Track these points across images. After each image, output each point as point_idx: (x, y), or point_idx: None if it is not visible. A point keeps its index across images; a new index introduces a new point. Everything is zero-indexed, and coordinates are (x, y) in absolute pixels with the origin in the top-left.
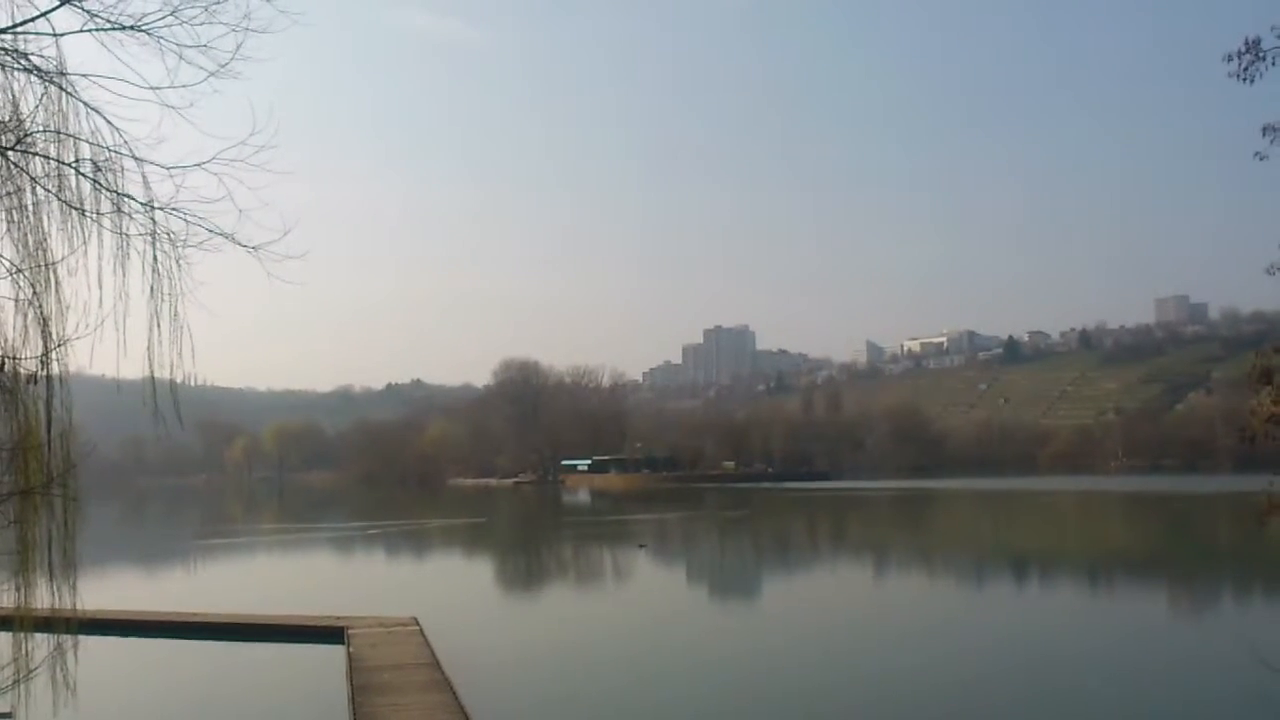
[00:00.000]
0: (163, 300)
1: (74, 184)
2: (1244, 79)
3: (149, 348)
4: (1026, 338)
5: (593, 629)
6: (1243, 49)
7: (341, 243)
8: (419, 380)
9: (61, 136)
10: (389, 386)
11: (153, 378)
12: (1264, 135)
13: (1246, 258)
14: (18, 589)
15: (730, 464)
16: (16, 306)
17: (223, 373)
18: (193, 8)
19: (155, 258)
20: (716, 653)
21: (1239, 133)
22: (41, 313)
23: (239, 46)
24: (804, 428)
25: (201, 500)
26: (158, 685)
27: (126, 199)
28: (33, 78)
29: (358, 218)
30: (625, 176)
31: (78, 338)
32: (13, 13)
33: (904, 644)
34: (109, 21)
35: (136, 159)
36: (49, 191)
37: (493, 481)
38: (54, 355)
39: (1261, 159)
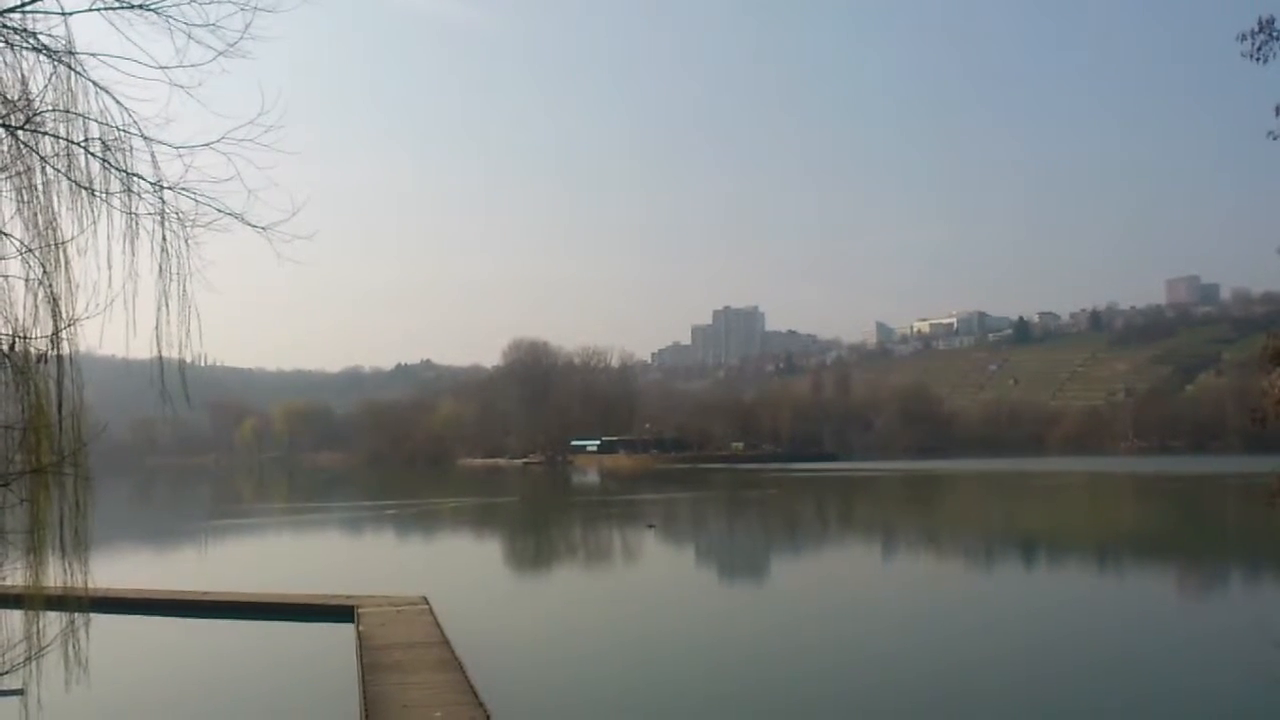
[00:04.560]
0: (172, 280)
1: (83, 163)
2: (1257, 59)
3: (157, 327)
4: (1036, 318)
5: (601, 609)
6: (1256, 28)
7: (350, 224)
8: (428, 361)
9: (70, 116)
10: (398, 367)
11: (161, 357)
12: (1277, 115)
13: (1258, 238)
14: (29, 567)
15: (739, 445)
16: (27, 286)
17: (232, 353)
18: None
19: (164, 237)
20: (725, 633)
21: (1251, 112)
22: (52, 292)
23: (247, 25)
24: (813, 409)
25: (211, 480)
26: (169, 663)
27: (136, 178)
28: (41, 57)
29: (366, 199)
30: (632, 158)
31: (88, 317)
32: None
33: (916, 624)
34: (117, 0)
35: (145, 138)
36: (58, 171)
37: (502, 462)
38: (64, 335)
39: (1274, 138)
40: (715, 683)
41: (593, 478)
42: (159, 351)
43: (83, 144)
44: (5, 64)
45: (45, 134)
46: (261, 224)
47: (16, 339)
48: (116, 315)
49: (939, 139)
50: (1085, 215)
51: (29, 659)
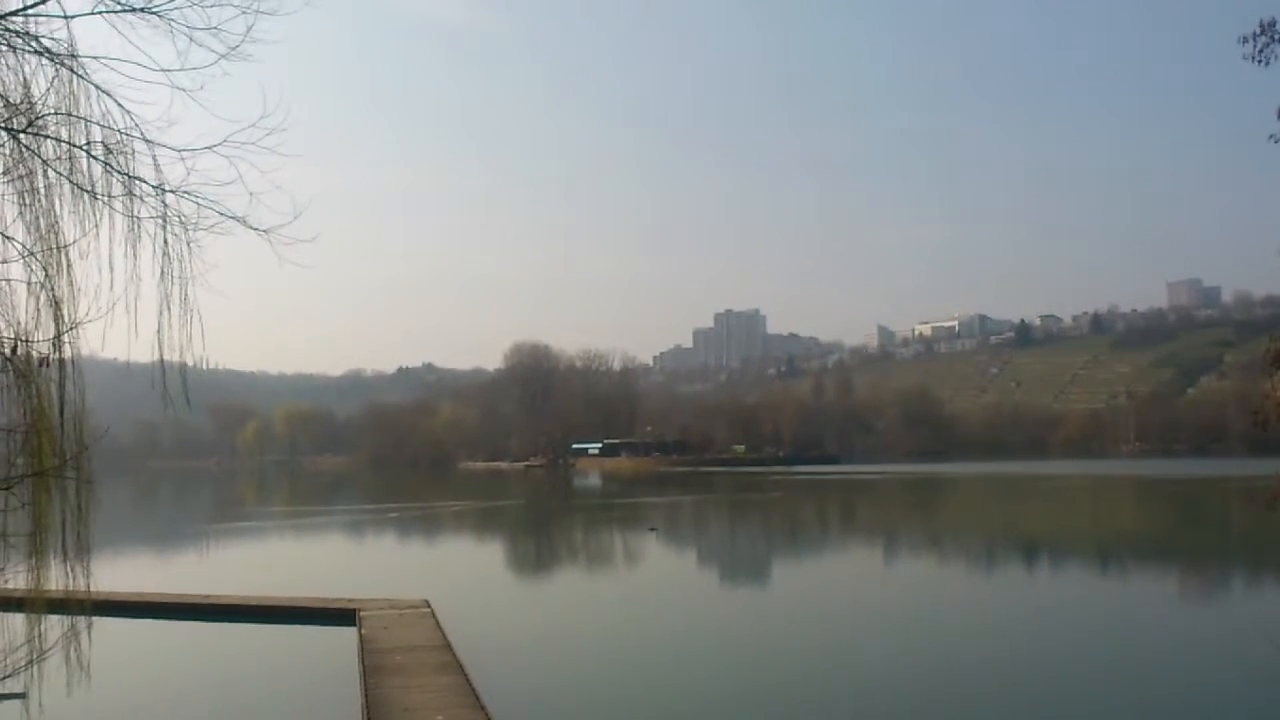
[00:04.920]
0: (173, 283)
1: (85, 167)
2: (1259, 61)
3: (159, 331)
4: (1038, 321)
5: (604, 613)
6: (1257, 30)
7: (352, 227)
8: (430, 364)
9: (72, 119)
10: (400, 370)
11: (162, 361)
12: (1279, 118)
13: (1260, 241)
14: (31, 570)
15: (740, 448)
16: (29, 289)
17: (234, 356)
18: None
19: (166, 241)
20: (728, 637)
21: (1252, 115)
22: (53, 295)
23: (249, 29)
24: (815, 411)
25: (214, 483)
26: (171, 666)
27: (138, 182)
28: (44, 60)
29: (367, 202)
30: (632, 160)
31: (89, 320)
32: None
33: (918, 627)
34: (119, 3)
35: (147, 141)
36: (60, 174)
37: (504, 465)
38: (66, 338)
39: (1276, 141)
40: (718, 687)
41: (594, 480)
42: (161, 355)
43: (85, 147)
44: (7, 67)
45: (47, 137)
46: (263, 227)
47: (18, 342)
48: (118, 318)
49: (939, 141)
50: (1086, 218)
51: (31, 662)
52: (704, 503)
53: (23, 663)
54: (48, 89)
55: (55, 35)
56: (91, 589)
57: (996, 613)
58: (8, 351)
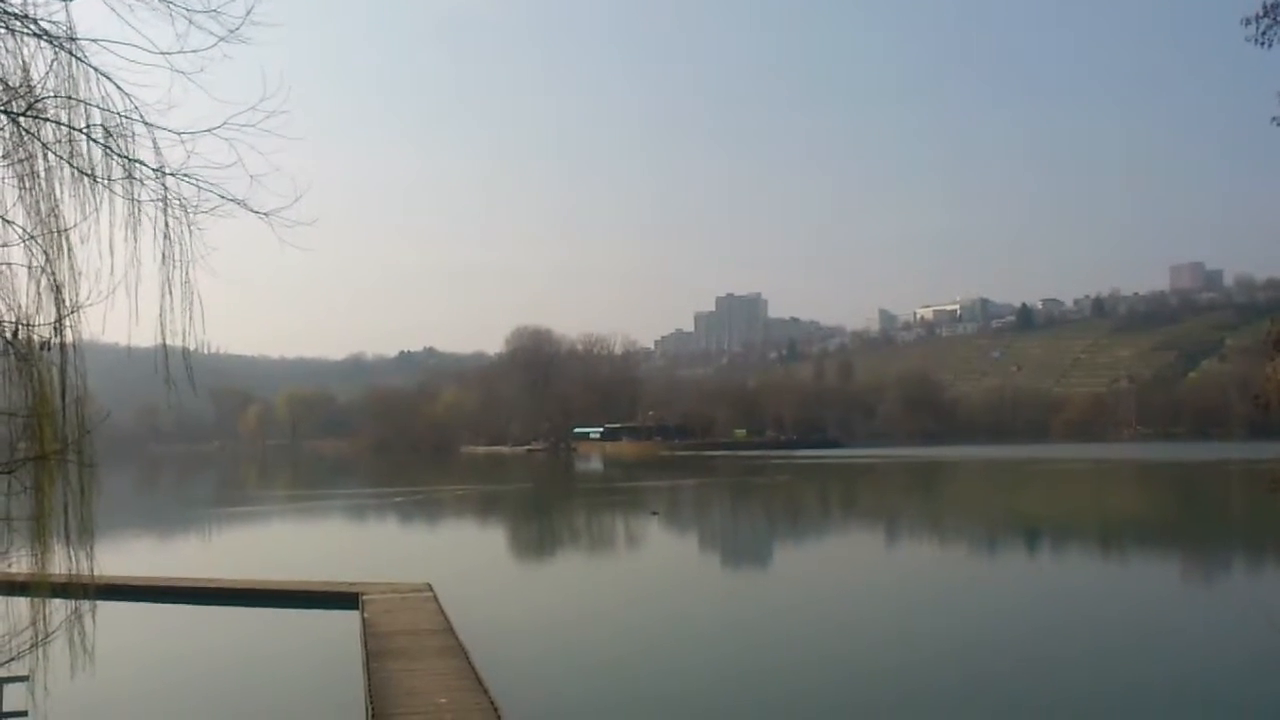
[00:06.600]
0: (174, 267)
1: (85, 150)
2: (1261, 43)
3: (161, 314)
4: (1040, 305)
5: (605, 595)
6: (1260, 13)
7: (353, 210)
8: (431, 348)
9: (72, 102)
10: (401, 354)
11: (165, 345)
12: None
13: (1262, 224)
14: (35, 554)
15: (742, 432)
16: (29, 273)
17: (236, 340)
18: None
19: (167, 224)
20: (728, 619)
21: (1255, 97)
22: (54, 279)
23: (249, 11)
24: (816, 395)
25: (216, 467)
26: (174, 650)
27: (138, 165)
28: (43, 43)
29: (369, 186)
30: (634, 145)
31: (90, 304)
32: None
33: (919, 610)
34: None
35: (147, 124)
36: (60, 158)
37: (505, 449)
38: (67, 322)
39: (1278, 124)
40: (719, 669)
41: (596, 465)
42: (164, 338)
43: (84, 130)
44: (6, 50)
45: (47, 120)
46: (264, 210)
47: (20, 326)
48: (119, 302)
49: (941, 125)
50: (1089, 201)
51: (35, 646)
52: (706, 487)
53: (26, 646)
54: (47, 72)
55: (54, 18)
56: (94, 573)
57: (998, 596)
58: (9, 335)
